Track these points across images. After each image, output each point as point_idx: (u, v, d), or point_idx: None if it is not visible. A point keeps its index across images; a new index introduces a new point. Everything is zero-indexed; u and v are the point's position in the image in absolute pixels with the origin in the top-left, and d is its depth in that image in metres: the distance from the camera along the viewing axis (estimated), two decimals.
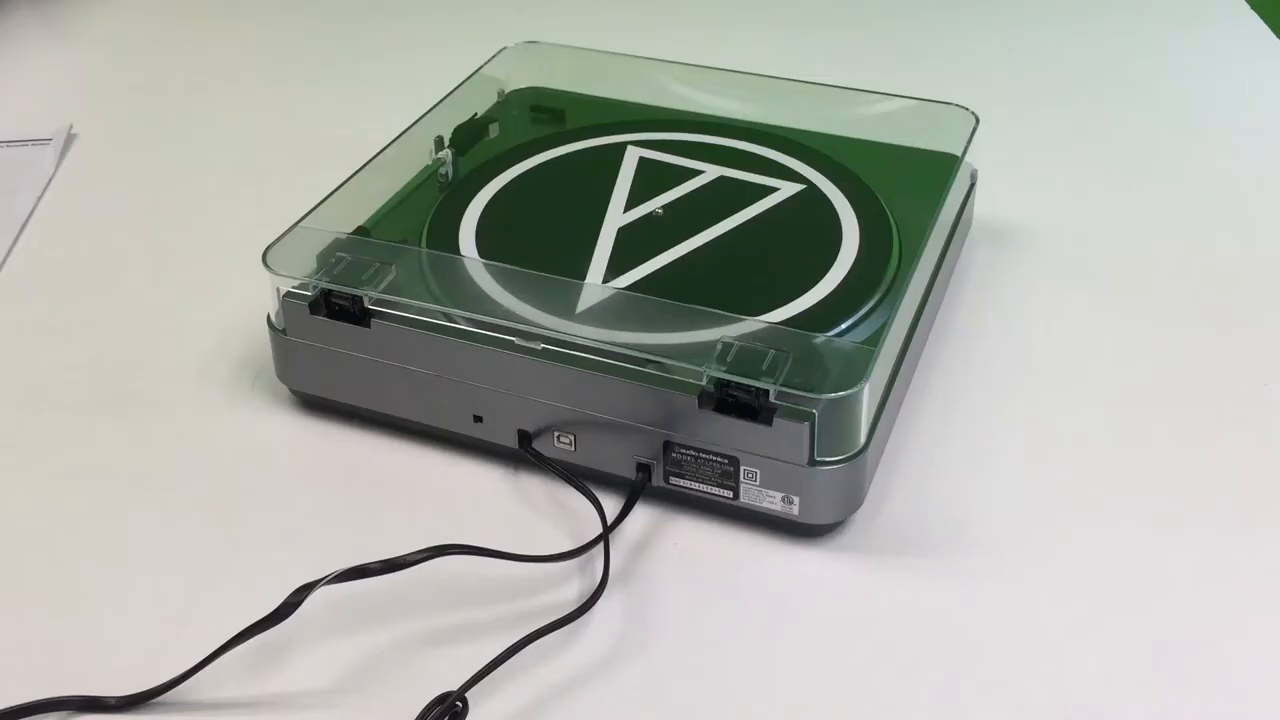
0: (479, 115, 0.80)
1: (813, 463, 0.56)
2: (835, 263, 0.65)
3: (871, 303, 0.63)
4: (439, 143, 0.76)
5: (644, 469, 0.59)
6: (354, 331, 0.62)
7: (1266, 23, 1.06)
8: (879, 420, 0.59)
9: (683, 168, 0.73)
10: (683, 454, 0.58)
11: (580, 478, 0.60)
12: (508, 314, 0.61)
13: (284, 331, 0.64)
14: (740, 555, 0.58)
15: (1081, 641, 0.54)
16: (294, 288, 0.63)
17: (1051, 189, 0.85)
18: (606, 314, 0.62)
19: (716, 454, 0.57)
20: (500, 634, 0.53)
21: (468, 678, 0.50)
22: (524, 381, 0.59)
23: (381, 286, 0.62)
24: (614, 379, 0.58)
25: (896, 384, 0.62)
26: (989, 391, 0.67)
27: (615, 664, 0.53)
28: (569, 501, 0.60)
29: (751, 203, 0.70)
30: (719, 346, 0.57)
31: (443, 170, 0.75)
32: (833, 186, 0.72)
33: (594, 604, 0.54)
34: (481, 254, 0.66)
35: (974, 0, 1.13)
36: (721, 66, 0.83)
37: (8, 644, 0.54)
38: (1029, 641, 0.54)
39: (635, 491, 0.59)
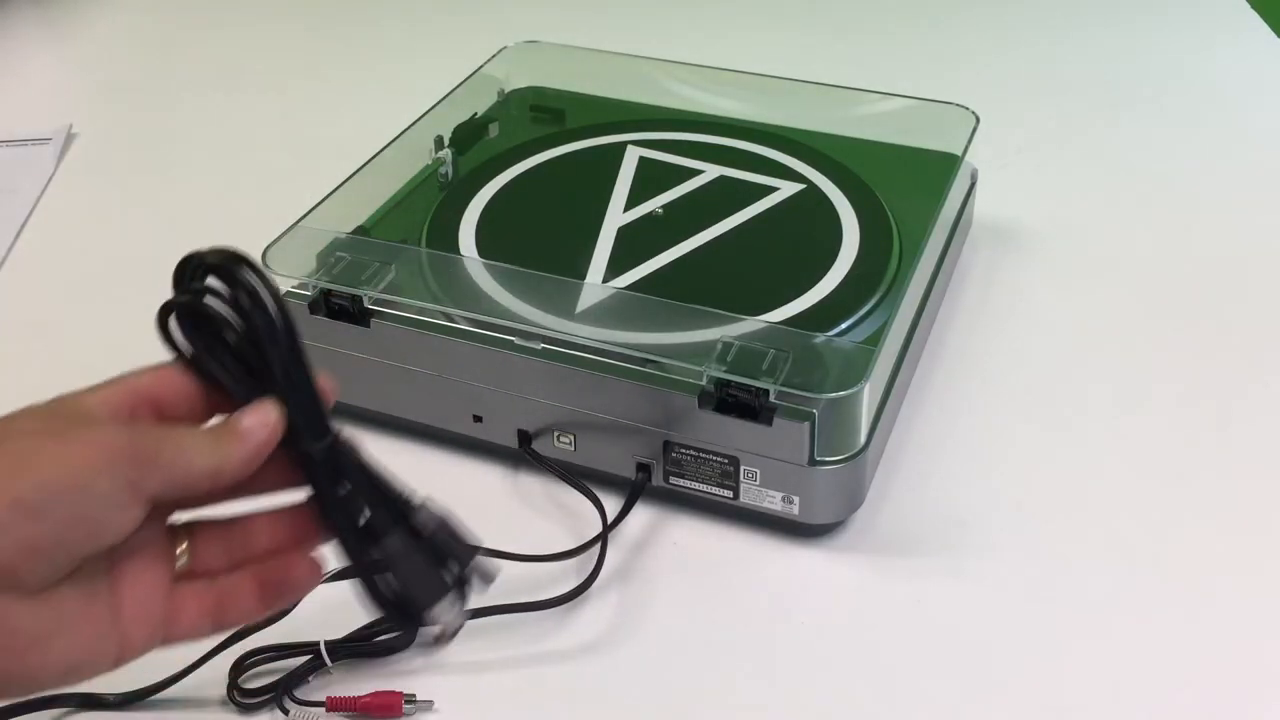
0: (479, 115, 0.80)
1: (813, 462, 0.56)
2: (835, 262, 0.65)
3: (871, 302, 0.63)
4: (439, 142, 0.76)
5: (644, 469, 0.59)
6: (353, 331, 0.62)
7: (1267, 22, 1.06)
8: (879, 420, 0.59)
9: (683, 167, 0.73)
10: (683, 454, 0.58)
11: (580, 477, 0.60)
12: (508, 314, 0.61)
13: None
14: (740, 555, 0.58)
15: (1082, 641, 0.53)
16: (293, 287, 0.63)
17: (1051, 189, 0.85)
18: (606, 314, 0.61)
19: (716, 454, 0.57)
20: (498, 634, 0.53)
21: None
22: (524, 381, 0.59)
23: (381, 286, 0.61)
24: (614, 379, 0.57)
25: (896, 384, 0.62)
26: (989, 391, 0.67)
27: (615, 662, 0.53)
28: (569, 501, 0.60)
29: (751, 202, 0.70)
30: (719, 346, 0.57)
31: (442, 170, 0.74)
32: (833, 186, 0.72)
33: (584, 591, 0.54)
34: (481, 254, 0.66)
35: (974, 0, 1.13)
36: (721, 66, 0.83)
37: None
38: (1029, 641, 0.54)
39: (635, 491, 0.59)
